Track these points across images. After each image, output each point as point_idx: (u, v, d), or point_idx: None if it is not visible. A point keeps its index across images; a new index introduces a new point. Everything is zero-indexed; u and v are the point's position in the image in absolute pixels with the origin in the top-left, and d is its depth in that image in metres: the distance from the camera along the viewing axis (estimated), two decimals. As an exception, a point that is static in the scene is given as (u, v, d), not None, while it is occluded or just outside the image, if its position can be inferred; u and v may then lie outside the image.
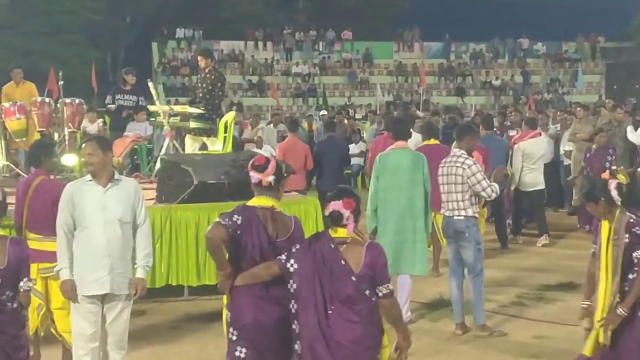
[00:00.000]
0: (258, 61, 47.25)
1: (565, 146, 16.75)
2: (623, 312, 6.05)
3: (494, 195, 8.79)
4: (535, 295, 10.52)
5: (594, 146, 14.65)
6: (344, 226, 5.26)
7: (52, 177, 7.96)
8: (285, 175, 5.71)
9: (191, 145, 12.59)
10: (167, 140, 12.55)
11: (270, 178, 5.53)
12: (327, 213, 5.30)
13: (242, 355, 5.44)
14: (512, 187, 13.83)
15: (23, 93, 14.33)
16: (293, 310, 5.28)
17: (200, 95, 12.40)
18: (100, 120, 16.28)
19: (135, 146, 14.44)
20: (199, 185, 9.86)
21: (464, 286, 8.92)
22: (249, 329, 5.41)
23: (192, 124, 12.35)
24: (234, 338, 5.49)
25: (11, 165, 12.32)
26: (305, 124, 26.15)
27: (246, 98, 43.48)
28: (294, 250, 5.33)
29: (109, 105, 14.88)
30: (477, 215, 8.83)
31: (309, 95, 44.80)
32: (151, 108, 13.71)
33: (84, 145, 6.75)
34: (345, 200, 5.27)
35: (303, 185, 13.67)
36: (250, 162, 5.64)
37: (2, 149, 12.43)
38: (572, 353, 7.98)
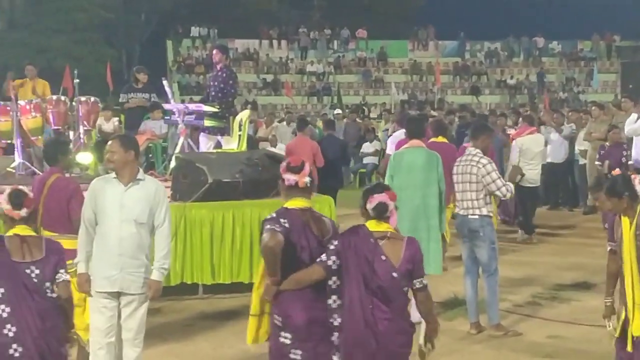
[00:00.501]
0: (273, 60, 47.23)
1: (581, 145, 16.71)
2: None
3: (508, 195, 8.79)
4: (550, 294, 10.50)
5: (607, 143, 14.61)
6: (387, 219, 5.30)
7: (67, 175, 7.98)
8: None
9: (206, 144, 12.60)
10: (181, 139, 12.58)
11: (307, 179, 5.55)
12: (372, 206, 5.31)
13: (299, 358, 5.41)
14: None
15: (35, 90, 14.39)
16: (334, 305, 5.29)
17: (213, 93, 12.40)
18: (116, 118, 16.30)
19: (150, 144, 14.45)
20: (213, 184, 9.89)
21: (479, 285, 8.90)
22: (303, 330, 5.38)
23: (207, 123, 12.36)
24: (288, 342, 5.43)
25: (26, 163, 12.36)
26: (319, 123, 26.15)
27: (261, 97, 43.45)
28: (332, 247, 5.33)
29: (125, 104, 14.89)
30: (491, 214, 8.82)
31: (324, 94, 44.72)
32: (166, 106, 13.74)
33: (109, 142, 6.78)
34: (389, 193, 5.35)
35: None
36: (284, 164, 5.62)
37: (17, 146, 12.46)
38: (586, 353, 8.02)
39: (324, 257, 5.31)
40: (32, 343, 5.59)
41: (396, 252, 5.24)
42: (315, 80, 46.10)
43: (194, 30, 48.18)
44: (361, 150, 23.48)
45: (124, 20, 50.46)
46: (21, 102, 12.86)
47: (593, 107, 17.35)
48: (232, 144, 12.01)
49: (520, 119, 16.18)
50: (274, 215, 5.46)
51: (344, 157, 14.71)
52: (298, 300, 5.40)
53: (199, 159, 10.41)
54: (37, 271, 5.73)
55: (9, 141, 12.78)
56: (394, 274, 5.18)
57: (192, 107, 13.06)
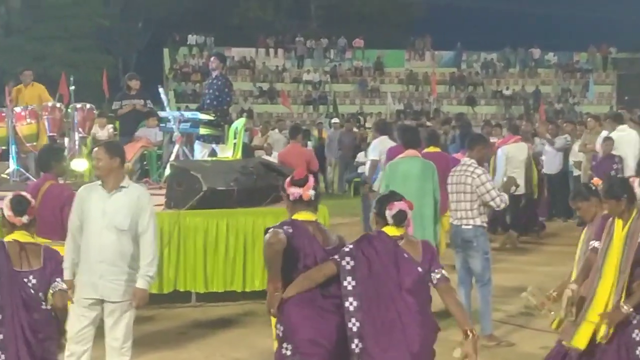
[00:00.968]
0: (269, 68, 47.30)
1: (575, 157, 16.74)
2: (628, 310, 5.96)
3: (502, 205, 8.79)
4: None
5: (600, 154, 14.69)
6: (404, 226, 5.44)
7: (61, 181, 7.97)
8: None
9: (200, 152, 12.60)
10: (177, 146, 12.58)
11: (311, 192, 5.55)
12: (392, 213, 5.40)
13: None
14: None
15: (32, 95, 14.21)
16: (352, 308, 5.25)
17: (208, 101, 12.41)
18: (111, 125, 16.29)
19: (145, 152, 14.44)
20: (208, 192, 9.87)
21: (472, 295, 8.90)
22: (305, 343, 5.33)
23: (202, 130, 12.36)
24: (288, 353, 5.40)
25: (21, 169, 12.35)
26: (315, 132, 26.15)
27: (257, 105, 43.50)
28: (346, 249, 5.37)
29: (119, 110, 14.77)
30: (485, 224, 8.82)
31: (320, 102, 44.78)
32: (161, 114, 13.72)
33: (94, 149, 6.78)
34: (407, 202, 5.50)
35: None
36: (288, 178, 5.63)
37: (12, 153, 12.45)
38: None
39: (336, 256, 5.34)
40: (15, 355, 5.58)
41: (416, 250, 5.40)
42: (311, 89, 46.16)
43: (191, 39, 48.27)
44: (356, 160, 23.46)
45: (121, 27, 50.54)
46: (17, 109, 12.85)
47: (588, 119, 17.40)
48: (227, 152, 12.01)
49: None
50: (278, 224, 5.48)
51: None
52: (303, 312, 5.36)
53: (193, 166, 10.39)
54: (34, 281, 5.73)
55: (3, 147, 12.77)
56: (419, 269, 5.33)
57: (187, 114, 13.07)
